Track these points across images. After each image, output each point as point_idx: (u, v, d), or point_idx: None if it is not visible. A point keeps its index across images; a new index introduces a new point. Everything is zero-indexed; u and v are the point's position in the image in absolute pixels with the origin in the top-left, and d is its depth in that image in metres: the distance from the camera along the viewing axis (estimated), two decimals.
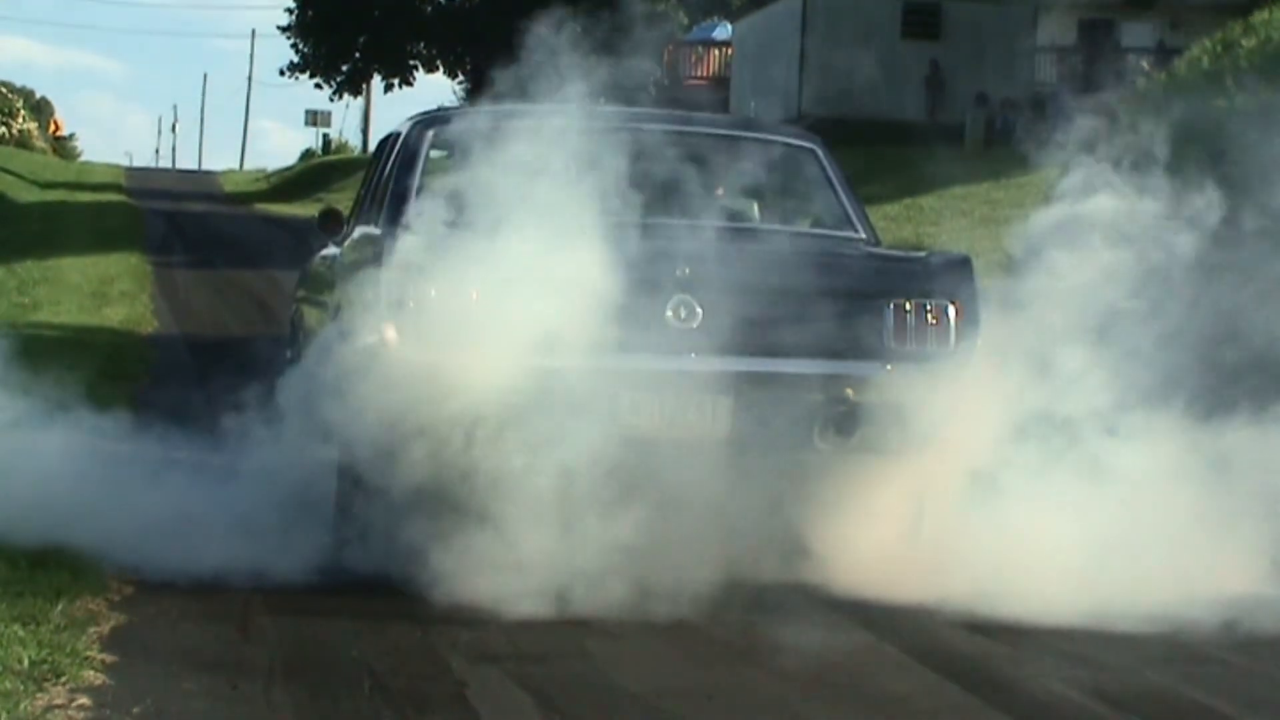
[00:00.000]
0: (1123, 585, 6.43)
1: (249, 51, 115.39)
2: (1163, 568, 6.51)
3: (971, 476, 6.74)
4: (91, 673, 5.59)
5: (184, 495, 7.85)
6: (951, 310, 7.18)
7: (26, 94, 65.13)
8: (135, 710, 5.19)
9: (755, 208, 8.31)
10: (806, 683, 5.85)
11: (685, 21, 44.95)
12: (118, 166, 61.02)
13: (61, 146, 68.27)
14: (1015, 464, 6.77)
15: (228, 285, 22.31)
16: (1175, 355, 7.00)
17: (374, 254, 7.70)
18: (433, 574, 6.67)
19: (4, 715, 4.96)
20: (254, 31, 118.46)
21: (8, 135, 54.75)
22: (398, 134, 9.04)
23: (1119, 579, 6.46)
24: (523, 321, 6.87)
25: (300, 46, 50.16)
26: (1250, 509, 6.76)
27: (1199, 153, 7.84)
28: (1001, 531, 6.55)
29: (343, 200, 12.28)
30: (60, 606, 6.36)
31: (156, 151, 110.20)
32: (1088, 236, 7.21)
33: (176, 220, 34.99)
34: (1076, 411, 6.87)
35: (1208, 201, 7.20)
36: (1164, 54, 25.10)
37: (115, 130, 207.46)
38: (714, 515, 6.58)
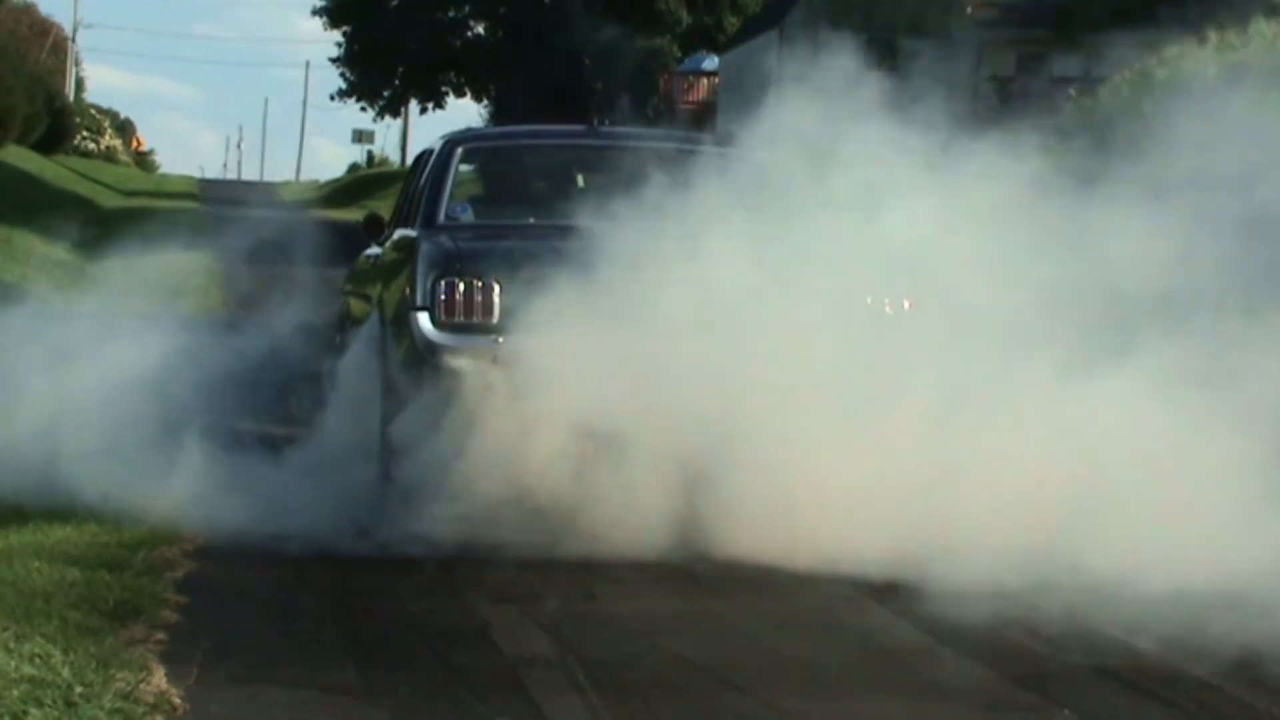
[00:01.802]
0: (1049, 533, 6.36)
1: (304, 79, 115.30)
2: (1092, 521, 6.44)
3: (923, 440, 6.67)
4: (167, 612, 5.59)
5: (244, 459, 7.82)
6: (906, 303, 7.23)
7: (112, 115, 64.94)
8: (205, 645, 5.19)
9: (739, 210, 8.29)
10: (779, 618, 5.86)
11: (679, 54, 44.89)
12: (191, 178, 60.81)
13: (142, 161, 68.07)
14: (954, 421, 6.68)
15: (284, 279, 22.24)
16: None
17: (410, 253, 7.71)
18: (458, 524, 6.68)
19: (92, 648, 4.95)
20: (308, 63, 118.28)
21: (96, 150, 54.61)
22: (431, 150, 9.03)
23: (1047, 529, 6.40)
24: (533, 309, 6.88)
25: (348, 75, 50.12)
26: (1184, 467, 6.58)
27: (1118, 166, 7.77)
28: (947, 485, 6.49)
29: (384, 207, 12.27)
30: (141, 555, 6.37)
31: (224, 165, 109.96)
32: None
33: (241, 223, 34.86)
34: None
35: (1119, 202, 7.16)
36: (1090, 83, 25.07)
37: (189, 146, 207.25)
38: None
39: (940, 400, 6.64)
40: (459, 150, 8.68)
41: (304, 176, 75.02)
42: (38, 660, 4.77)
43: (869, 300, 7.14)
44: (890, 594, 6.09)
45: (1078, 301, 6.86)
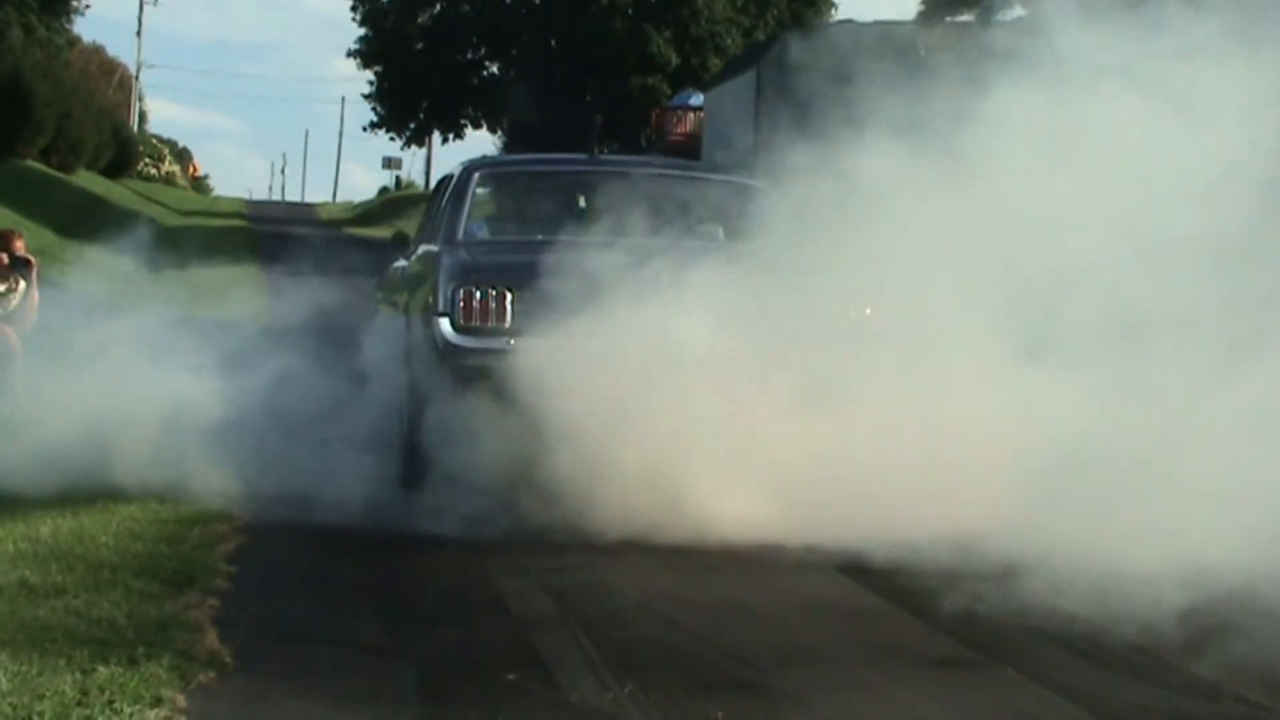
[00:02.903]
0: (995, 515, 6.33)
1: (340, 113, 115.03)
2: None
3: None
4: (219, 581, 5.58)
5: (285, 444, 7.80)
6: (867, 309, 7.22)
7: (171, 144, 64.81)
8: (252, 610, 5.18)
9: (720, 229, 8.28)
10: (758, 588, 5.85)
11: (668, 91, 44.90)
12: (240, 199, 60.67)
13: (198, 184, 67.85)
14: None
15: (323, 288, 22.19)
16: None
17: (433, 265, 7.70)
18: (476, 505, 6.67)
19: (153, 612, 4.95)
20: (344, 98, 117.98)
21: (157, 175, 54.50)
22: (451, 175, 9.03)
23: (993, 511, 6.38)
24: (540, 314, 6.88)
25: (379, 109, 50.13)
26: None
27: None
28: (911, 474, 6.45)
29: (410, 225, 12.26)
30: (196, 531, 6.36)
31: (270, 188, 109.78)
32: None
33: (284, 239, 34.78)
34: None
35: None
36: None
37: (239, 172, 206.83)
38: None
39: (903, 399, 6.60)
40: (476, 175, 8.68)
41: (340, 198, 74.97)
42: (105, 623, 4.77)
43: (850, 309, 7.09)
44: (858, 568, 6.07)
45: (1022, 302, 6.81)
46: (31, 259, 10.43)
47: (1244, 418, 6.29)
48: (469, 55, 48.76)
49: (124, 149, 44.14)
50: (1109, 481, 6.24)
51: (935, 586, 5.73)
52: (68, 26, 45.65)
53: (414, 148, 53.02)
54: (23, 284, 11.01)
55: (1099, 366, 6.59)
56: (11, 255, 10.67)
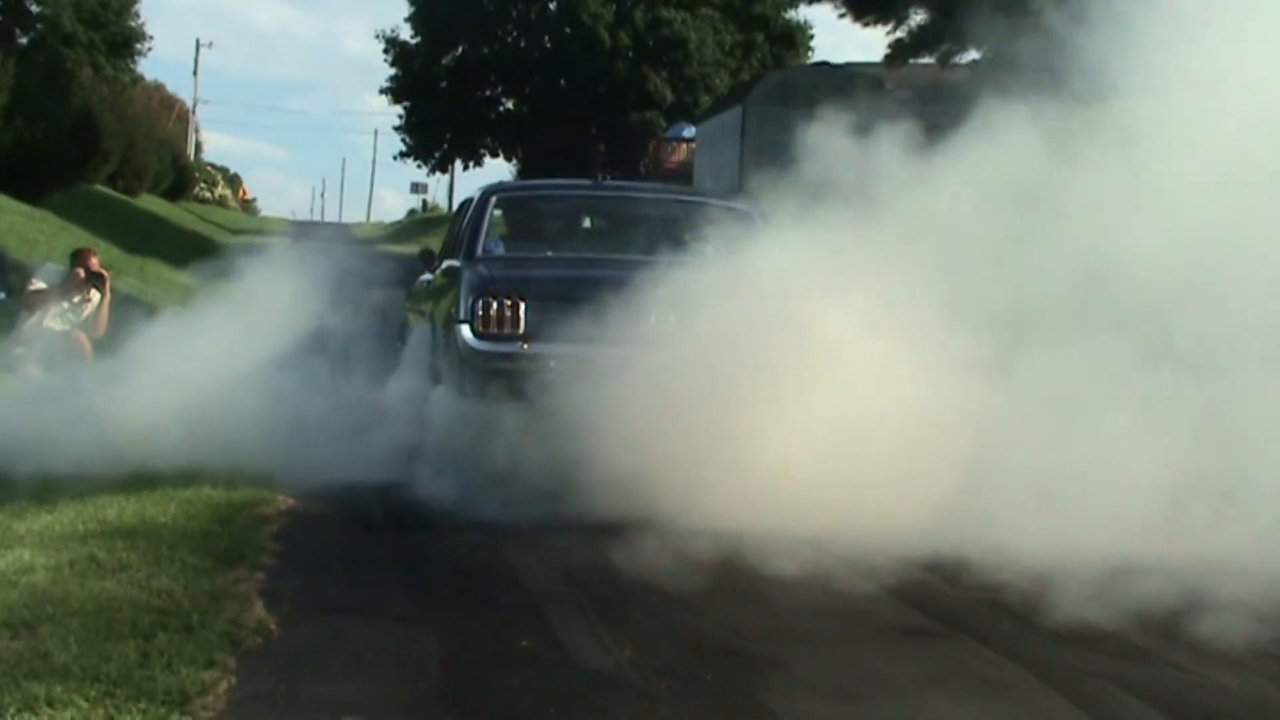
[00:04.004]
0: (951, 503, 6.29)
1: (373, 143, 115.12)
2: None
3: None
4: (266, 557, 5.57)
5: (324, 434, 7.79)
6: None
7: (223, 170, 64.73)
8: (294, 583, 5.17)
9: (709, 247, 8.27)
10: (743, 565, 5.82)
11: (664, 124, 44.91)
12: (285, 219, 60.60)
13: (247, 206, 67.76)
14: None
15: (359, 298, 22.16)
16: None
17: (455, 278, 7.70)
18: (494, 491, 6.66)
19: (206, 585, 4.94)
20: (376, 130, 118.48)
21: (211, 198, 54.43)
22: (471, 199, 9.03)
23: (949, 498, 6.33)
24: (550, 322, 6.87)
25: (407, 140, 50.12)
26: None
27: None
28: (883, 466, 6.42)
29: (435, 242, 12.26)
30: (245, 513, 6.35)
31: (311, 210, 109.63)
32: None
33: (324, 255, 34.68)
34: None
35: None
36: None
37: (283, 195, 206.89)
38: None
39: (871, 401, 6.57)
40: (493, 198, 8.69)
41: (373, 218, 74.83)
42: (163, 595, 4.76)
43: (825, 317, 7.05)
44: (834, 552, 6.04)
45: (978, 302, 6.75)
46: (104, 273, 10.44)
47: (1182, 422, 6.25)
48: (488, 92, 48.76)
49: (182, 175, 44.09)
50: (1052, 475, 6.22)
51: (900, 567, 5.73)
52: (132, 66, 45.67)
53: (438, 174, 53.15)
54: (96, 295, 11.00)
55: (1052, 370, 6.56)
56: (87, 270, 10.67)
